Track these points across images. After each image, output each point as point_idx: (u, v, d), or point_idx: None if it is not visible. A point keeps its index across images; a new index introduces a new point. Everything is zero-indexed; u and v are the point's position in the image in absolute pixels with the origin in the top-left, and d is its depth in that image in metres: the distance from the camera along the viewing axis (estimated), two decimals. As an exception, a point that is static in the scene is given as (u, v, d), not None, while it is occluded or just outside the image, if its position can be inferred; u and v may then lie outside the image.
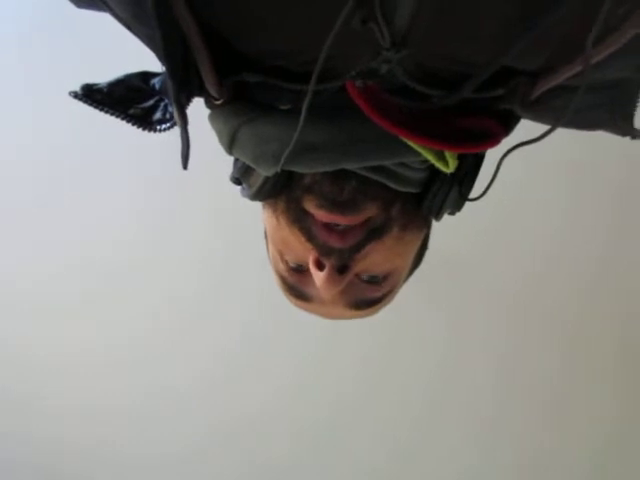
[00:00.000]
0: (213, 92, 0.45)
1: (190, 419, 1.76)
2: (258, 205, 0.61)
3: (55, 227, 1.67)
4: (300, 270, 0.57)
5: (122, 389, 1.76)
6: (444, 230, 0.64)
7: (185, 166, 0.49)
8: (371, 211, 0.52)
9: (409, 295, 0.67)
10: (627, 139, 0.49)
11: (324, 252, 0.53)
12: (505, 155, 0.51)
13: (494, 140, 0.47)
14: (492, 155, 0.53)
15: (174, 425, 1.77)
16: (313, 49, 0.38)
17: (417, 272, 0.66)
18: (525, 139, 0.47)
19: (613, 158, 1.34)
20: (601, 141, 0.44)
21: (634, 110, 0.46)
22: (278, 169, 0.48)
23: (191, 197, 1.57)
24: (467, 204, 0.56)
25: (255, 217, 0.64)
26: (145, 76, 0.53)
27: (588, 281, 1.51)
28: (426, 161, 0.50)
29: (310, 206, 0.52)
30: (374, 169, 0.50)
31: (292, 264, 0.57)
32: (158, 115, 0.51)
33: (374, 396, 1.66)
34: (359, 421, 1.68)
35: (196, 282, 1.65)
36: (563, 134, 0.45)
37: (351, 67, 0.42)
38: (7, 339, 1.77)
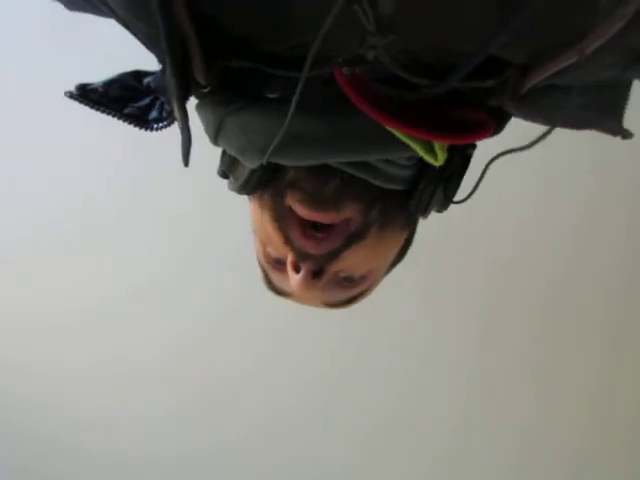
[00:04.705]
0: (201, 79, 0.44)
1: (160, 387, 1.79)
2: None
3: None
4: (280, 263, 0.57)
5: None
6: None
7: (186, 163, 0.49)
8: (351, 212, 0.52)
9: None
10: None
11: (300, 256, 0.53)
12: (492, 160, 0.52)
13: (484, 131, 0.47)
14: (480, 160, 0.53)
15: (142, 392, 1.80)
16: (300, 33, 0.38)
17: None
18: (510, 146, 0.46)
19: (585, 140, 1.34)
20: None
21: (623, 110, 0.47)
22: (263, 161, 0.48)
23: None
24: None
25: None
26: (138, 75, 0.53)
27: (568, 255, 1.52)
28: (413, 157, 0.50)
29: (292, 201, 0.52)
30: (359, 166, 0.50)
31: (274, 256, 0.57)
32: (154, 114, 0.52)
33: (352, 372, 1.68)
34: (338, 397, 1.71)
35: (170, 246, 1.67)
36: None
37: (338, 53, 0.42)
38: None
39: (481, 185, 0.54)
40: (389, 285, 0.67)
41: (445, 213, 0.57)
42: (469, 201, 0.56)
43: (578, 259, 1.52)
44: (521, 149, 0.43)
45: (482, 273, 1.56)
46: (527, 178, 1.45)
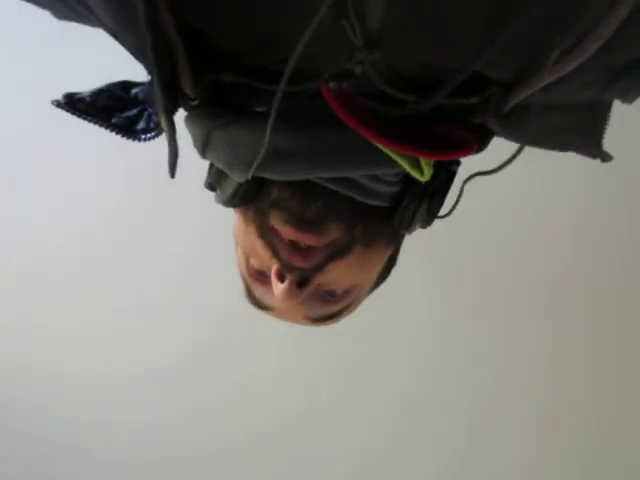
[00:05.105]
0: (190, 92, 0.45)
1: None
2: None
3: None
4: (263, 275, 0.57)
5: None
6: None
7: (172, 175, 0.49)
8: (335, 233, 0.52)
9: (402, 259, 0.68)
10: None
11: (286, 268, 0.53)
12: (467, 180, 0.53)
13: (469, 149, 0.47)
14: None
15: (143, 395, 1.79)
16: (288, 46, 0.38)
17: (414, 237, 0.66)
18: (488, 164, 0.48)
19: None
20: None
21: (603, 133, 0.48)
22: (249, 176, 0.48)
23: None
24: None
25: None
26: (126, 85, 0.53)
27: (577, 243, 1.53)
28: (399, 174, 0.50)
29: (276, 222, 0.52)
30: (344, 183, 0.50)
31: (256, 268, 0.57)
32: (142, 124, 0.52)
33: (358, 376, 1.68)
34: (356, 385, 1.70)
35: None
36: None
37: (325, 68, 0.42)
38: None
39: (480, 190, 0.55)
40: (389, 293, 0.67)
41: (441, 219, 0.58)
42: (464, 207, 0.56)
43: (578, 261, 1.53)
44: (492, 172, 0.44)
45: (481, 277, 1.56)
46: (527, 181, 1.45)
